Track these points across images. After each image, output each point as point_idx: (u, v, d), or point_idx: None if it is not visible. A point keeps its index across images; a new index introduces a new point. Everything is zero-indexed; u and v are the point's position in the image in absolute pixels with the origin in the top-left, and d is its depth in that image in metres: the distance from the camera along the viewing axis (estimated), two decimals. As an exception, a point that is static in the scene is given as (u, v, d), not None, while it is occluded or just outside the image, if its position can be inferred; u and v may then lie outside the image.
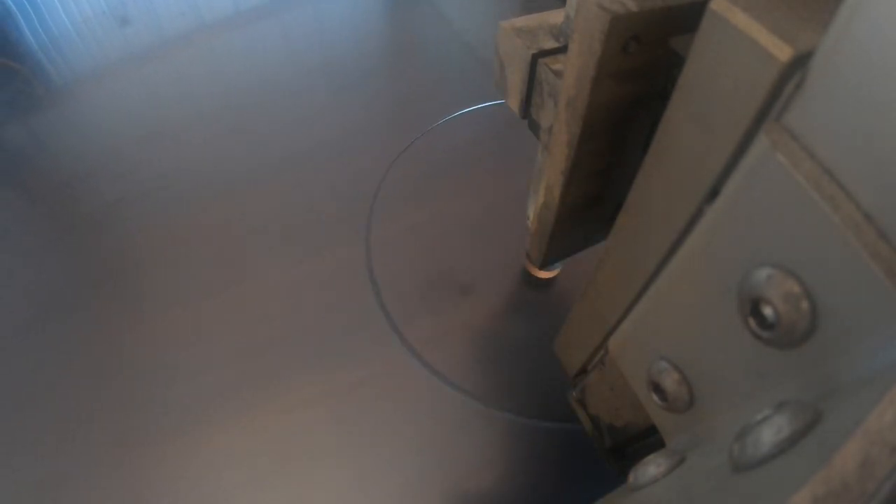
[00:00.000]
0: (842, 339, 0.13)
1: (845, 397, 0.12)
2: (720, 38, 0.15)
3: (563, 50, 0.27)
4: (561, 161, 0.25)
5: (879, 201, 0.12)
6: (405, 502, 0.40)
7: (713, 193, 0.18)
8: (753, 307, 0.15)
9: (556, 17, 0.28)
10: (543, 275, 0.50)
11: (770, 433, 0.13)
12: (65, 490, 0.41)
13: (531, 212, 0.39)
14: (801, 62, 0.13)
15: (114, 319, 0.52)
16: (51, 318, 0.53)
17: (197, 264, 0.55)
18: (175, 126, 0.73)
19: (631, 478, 0.20)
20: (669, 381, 0.21)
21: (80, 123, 0.79)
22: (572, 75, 0.22)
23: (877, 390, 0.10)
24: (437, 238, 0.56)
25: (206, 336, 0.50)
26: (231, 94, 0.78)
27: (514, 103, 0.30)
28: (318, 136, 0.68)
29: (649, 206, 0.21)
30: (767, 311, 0.15)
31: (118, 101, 0.81)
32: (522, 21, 0.28)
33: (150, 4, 0.94)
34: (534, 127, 0.30)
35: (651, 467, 0.19)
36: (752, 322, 0.16)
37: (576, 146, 0.24)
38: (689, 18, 0.20)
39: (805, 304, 0.14)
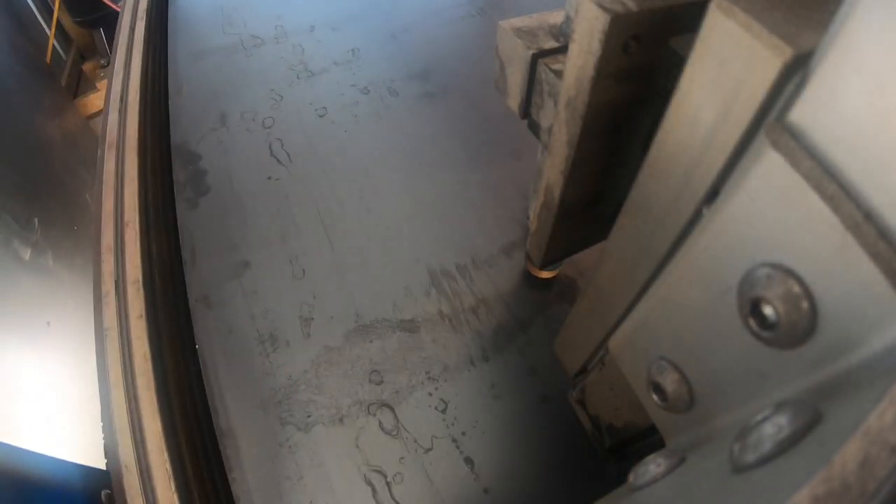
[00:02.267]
0: (842, 339, 0.13)
1: (845, 397, 0.12)
2: (721, 38, 0.15)
3: (563, 50, 0.27)
4: (561, 161, 0.25)
5: (880, 200, 0.12)
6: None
7: (712, 194, 0.18)
8: (753, 307, 0.15)
9: (555, 17, 0.28)
10: (543, 275, 0.50)
11: (770, 433, 0.13)
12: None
13: (531, 212, 0.39)
14: (801, 62, 0.13)
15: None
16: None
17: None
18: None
19: (631, 478, 0.20)
20: (669, 381, 0.21)
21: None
22: (572, 75, 0.22)
23: (877, 390, 0.10)
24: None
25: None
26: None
27: (514, 103, 0.30)
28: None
29: (649, 207, 0.21)
30: (768, 310, 0.15)
31: None
32: (522, 21, 0.28)
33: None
34: (534, 127, 0.30)
35: (651, 467, 0.19)
36: (752, 322, 0.16)
37: (576, 146, 0.24)
38: (689, 18, 0.20)
39: (805, 304, 0.14)
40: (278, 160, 0.63)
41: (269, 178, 0.61)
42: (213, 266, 0.53)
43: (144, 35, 0.78)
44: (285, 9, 0.89)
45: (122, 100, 0.67)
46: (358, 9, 0.88)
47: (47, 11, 2.01)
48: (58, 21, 2.04)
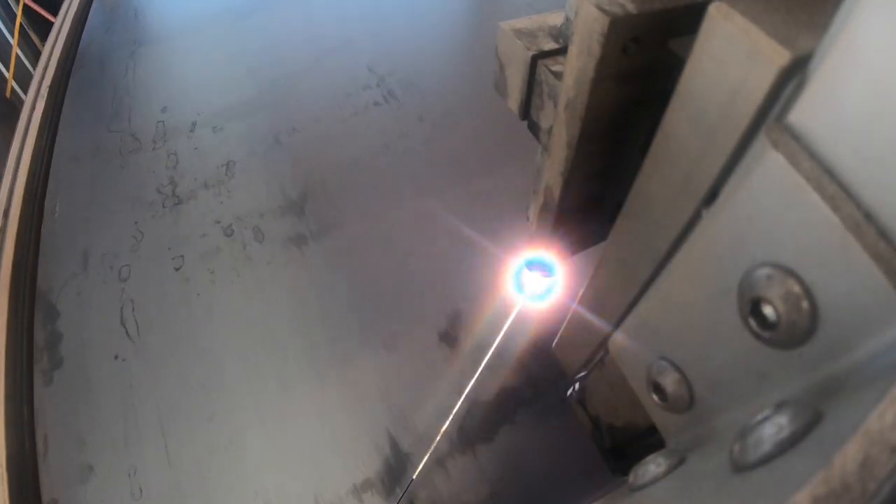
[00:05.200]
0: (842, 339, 0.13)
1: (846, 398, 0.12)
2: (720, 41, 0.15)
3: (562, 51, 0.27)
4: (560, 162, 0.25)
5: (880, 200, 0.12)
6: None
7: (711, 196, 0.18)
8: (754, 307, 0.16)
9: (555, 18, 0.28)
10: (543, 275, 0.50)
11: (770, 433, 0.13)
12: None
13: (531, 213, 0.39)
14: (799, 65, 0.13)
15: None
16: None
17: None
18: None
19: (631, 478, 0.20)
20: (669, 381, 0.21)
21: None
22: (572, 77, 0.22)
23: (877, 391, 0.10)
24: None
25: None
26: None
27: (514, 104, 0.30)
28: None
29: (648, 208, 0.21)
30: (768, 310, 0.15)
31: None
32: (522, 22, 0.28)
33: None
34: (534, 128, 0.30)
35: (651, 467, 0.19)
36: (752, 322, 0.16)
37: (575, 147, 0.24)
38: (688, 21, 0.20)
39: (805, 304, 0.14)
40: (127, 331, 0.55)
41: (117, 356, 0.53)
42: (61, 464, 0.47)
43: (41, 121, 0.73)
44: (173, 96, 0.81)
45: (4, 214, 0.61)
46: (247, 98, 0.78)
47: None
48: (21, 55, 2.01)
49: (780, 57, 0.13)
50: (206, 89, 0.81)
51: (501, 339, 0.47)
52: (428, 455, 0.41)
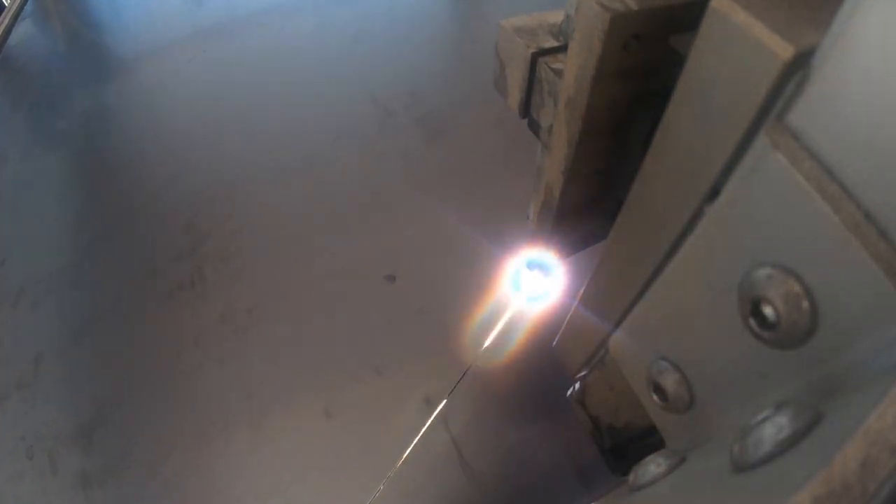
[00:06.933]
0: (843, 339, 0.13)
1: (846, 398, 0.12)
2: (721, 37, 0.15)
3: (563, 49, 0.27)
4: (561, 160, 0.25)
5: (880, 200, 0.12)
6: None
7: (714, 193, 0.17)
8: (754, 307, 0.15)
9: (555, 16, 0.28)
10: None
11: (771, 433, 0.13)
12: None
13: (532, 211, 0.39)
14: (802, 60, 0.13)
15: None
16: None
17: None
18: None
19: (631, 478, 0.20)
20: (670, 381, 0.21)
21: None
22: (572, 74, 0.22)
23: (877, 391, 0.10)
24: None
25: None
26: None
27: (514, 102, 0.30)
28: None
29: (650, 206, 0.21)
30: (768, 310, 0.15)
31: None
32: (522, 20, 0.28)
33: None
34: (534, 126, 0.30)
35: (651, 467, 0.19)
36: (752, 322, 0.16)
37: (576, 145, 0.24)
38: (689, 17, 0.19)
39: (805, 304, 0.14)
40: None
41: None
42: None
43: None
44: (12, 246, 0.65)
45: None
46: (66, 263, 0.62)
47: None
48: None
49: (783, 51, 0.13)
50: (39, 242, 0.64)
51: (500, 339, 0.47)
52: (413, 445, 0.41)
